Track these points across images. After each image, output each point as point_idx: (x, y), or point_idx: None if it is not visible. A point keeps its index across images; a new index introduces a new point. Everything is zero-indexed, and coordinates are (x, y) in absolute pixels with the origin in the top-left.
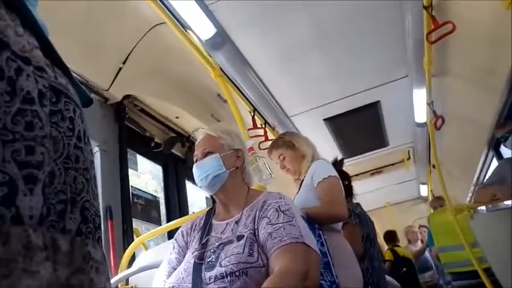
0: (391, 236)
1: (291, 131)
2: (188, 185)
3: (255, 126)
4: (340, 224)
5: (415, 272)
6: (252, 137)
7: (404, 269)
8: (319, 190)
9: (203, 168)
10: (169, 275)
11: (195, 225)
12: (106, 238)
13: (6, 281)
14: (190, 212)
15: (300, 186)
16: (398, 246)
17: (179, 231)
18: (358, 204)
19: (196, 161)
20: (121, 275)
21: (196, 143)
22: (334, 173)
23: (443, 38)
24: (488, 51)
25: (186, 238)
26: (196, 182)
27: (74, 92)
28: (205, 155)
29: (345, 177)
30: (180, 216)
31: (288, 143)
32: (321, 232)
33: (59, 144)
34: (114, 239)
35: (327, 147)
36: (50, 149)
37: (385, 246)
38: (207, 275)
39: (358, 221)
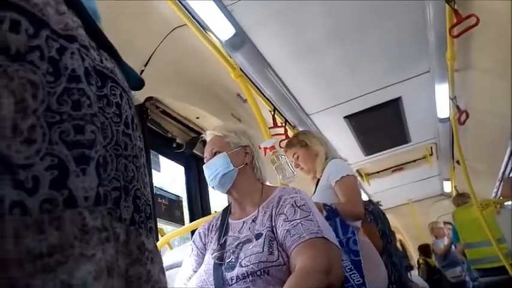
0: (424, 249)
1: (306, 130)
2: None
3: (275, 125)
4: (360, 221)
5: (446, 278)
6: (272, 135)
7: (438, 276)
8: (337, 189)
9: (212, 168)
10: (190, 278)
11: (212, 226)
12: None
13: (63, 269)
14: (212, 212)
15: (316, 186)
16: (430, 258)
17: (196, 232)
18: (370, 201)
19: (205, 162)
20: None
21: (206, 144)
22: (352, 171)
23: (466, 32)
24: None
25: (204, 239)
26: (208, 182)
27: (122, 76)
28: (213, 155)
29: None
30: (203, 216)
31: (301, 142)
32: (355, 230)
33: (107, 130)
34: None
35: (348, 145)
36: (100, 129)
37: (407, 243)
38: (228, 275)
39: (372, 218)
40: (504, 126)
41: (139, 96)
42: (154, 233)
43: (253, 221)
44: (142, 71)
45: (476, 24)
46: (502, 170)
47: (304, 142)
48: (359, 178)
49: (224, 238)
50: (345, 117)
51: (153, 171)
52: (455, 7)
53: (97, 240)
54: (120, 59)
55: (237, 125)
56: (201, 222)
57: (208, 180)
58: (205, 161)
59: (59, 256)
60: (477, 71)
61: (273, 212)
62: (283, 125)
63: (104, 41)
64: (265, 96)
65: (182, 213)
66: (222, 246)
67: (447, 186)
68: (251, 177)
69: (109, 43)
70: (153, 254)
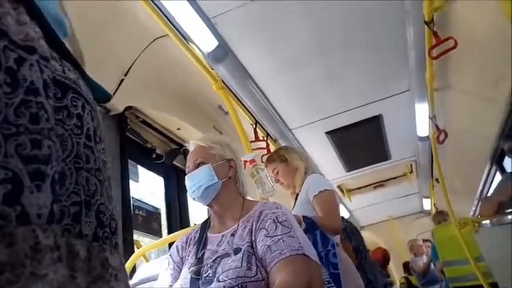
0: (407, 267)
1: (287, 145)
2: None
3: (257, 139)
4: (338, 236)
5: None
6: (253, 149)
7: None
8: (315, 203)
9: (195, 179)
10: None
11: (190, 239)
12: None
13: None
14: (191, 224)
15: (295, 201)
16: (411, 275)
17: (174, 246)
18: (342, 218)
19: (188, 173)
20: None
21: (188, 153)
22: (330, 186)
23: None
24: (490, 64)
25: (181, 253)
26: (189, 193)
27: (86, 88)
28: (197, 166)
29: None
30: (181, 228)
31: (281, 157)
32: (334, 243)
33: (66, 142)
34: None
35: (330, 161)
36: (58, 145)
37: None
38: None
39: (345, 235)
40: (482, 146)
41: (118, 105)
42: (121, 248)
43: (232, 235)
44: (122, 80)
45: (454, 47)
46: (480, 189)
47: (284, 157)
48: (340, 194)
49: (202, 252)
50: (327, 132)
51: (132, 182)
52: (435, 29)
53: (49, 259)
54: (82, 70)
55: (222, 137)
56: (179, 235)
57: (189, 191)
58: (187, 171)
59: (10, 275)
60: (456, 91)
61: (253, 227)
62: (265, 139)
63: (65, 52)
64: (247, 110)
65: (160, 225)
66: (199, 260)
67: (427, 204)
68: (233, 191)
69: (70, 55)
70: (118, 270)
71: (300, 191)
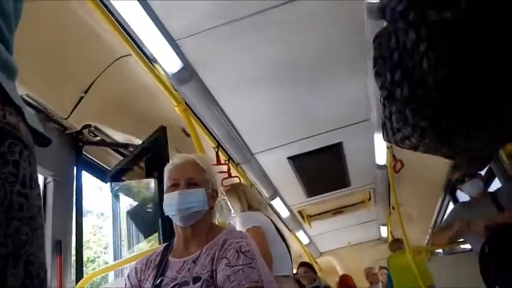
0: None
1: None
2: None
3: (218, 162)
4: None
5: None
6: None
7: None
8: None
9: (187, 199)
10: None
11: (150, 262)
12: (54, 274)
13: None
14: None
15: None
16: None
17: (133, 267)
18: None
19: (174, 185)
20: None
21: (177, 165)
22: (252, 223)
23: None
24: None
25: (140, 276)
26: (170, 209)
27: (27, 131)
28: (191, 185)
29: None
30: None
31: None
32: None
33: None
34: (63, 276)
35: (291, 186)
36: None
37: None
38: None
39: None
40: (437, 176)
41: (76, 123)
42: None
43: (194, 262)
44: (82, 97)
45: None
46: (434, 218)
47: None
48: (300, 220)
49: (160, 278)
50: (289, 158)
51: None
52: None
53: None
54: (23, 115)
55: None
56: (130, 260)
57: (174, 207)
58: (173, 182)
59: None
60: None
61: (216, 255)
62: (227, 162)
63: (8, 97)
64: (210, 132)
65: None
66: (156, 287)
67: (384, 231)
68: (210, 219)
69: (13, 101)
70: None
71: None
